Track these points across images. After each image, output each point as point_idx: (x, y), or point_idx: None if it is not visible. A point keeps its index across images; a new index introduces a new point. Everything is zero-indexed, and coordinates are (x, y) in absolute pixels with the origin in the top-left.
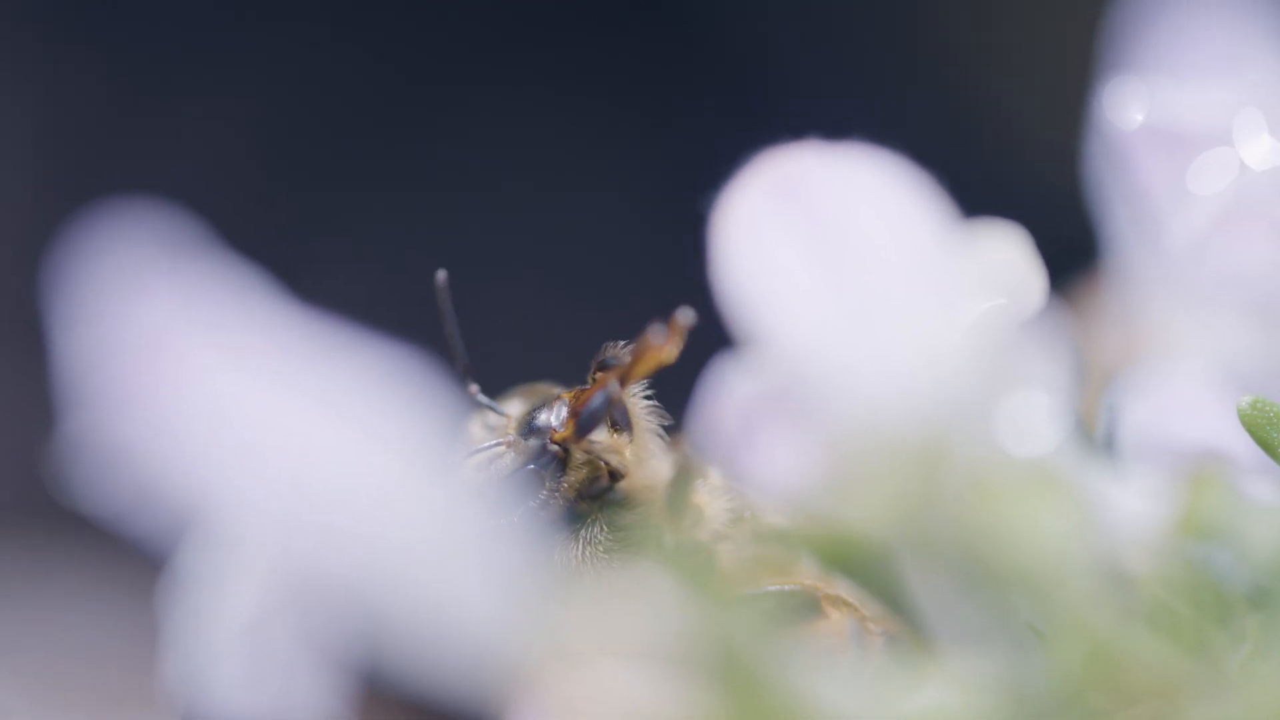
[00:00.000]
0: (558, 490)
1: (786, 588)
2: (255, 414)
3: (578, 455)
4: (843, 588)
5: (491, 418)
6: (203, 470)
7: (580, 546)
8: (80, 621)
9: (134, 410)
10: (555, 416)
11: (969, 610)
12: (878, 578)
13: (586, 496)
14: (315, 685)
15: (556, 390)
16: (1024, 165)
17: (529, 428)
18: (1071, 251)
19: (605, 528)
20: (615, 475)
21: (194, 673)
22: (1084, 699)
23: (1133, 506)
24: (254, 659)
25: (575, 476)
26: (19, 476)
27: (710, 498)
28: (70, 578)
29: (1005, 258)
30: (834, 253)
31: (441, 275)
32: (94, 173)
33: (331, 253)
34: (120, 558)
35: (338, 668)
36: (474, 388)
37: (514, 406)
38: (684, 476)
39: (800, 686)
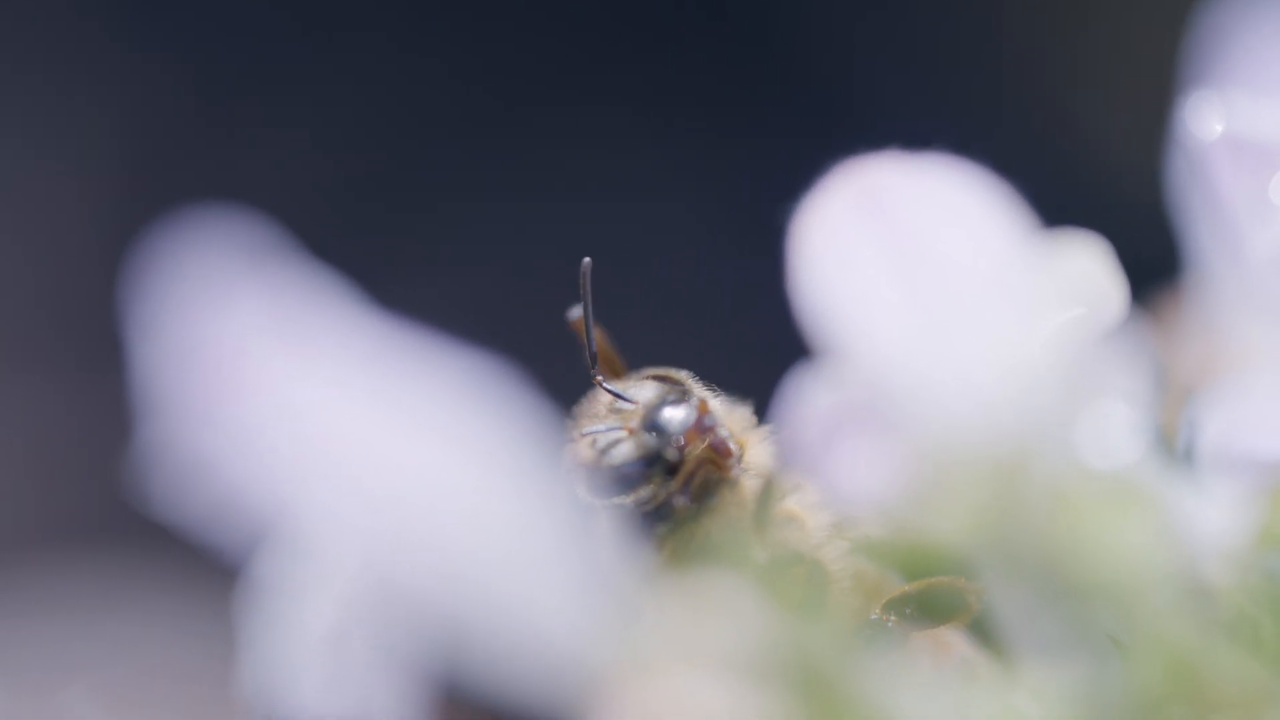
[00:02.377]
0: (662, 490)
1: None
2: (338, 423)
3: (691, 459)
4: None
5: (616, 402)
6: (283, 480)
7: (667, 553)
8: (159, 639)
9: (214, 419)
10: (681, 419)
11: (1049, 622)
12: None
13: (687, 501)
14: (395, 697)
15: (690, 383)
16: (1106, 177)
17: (653, 423)
18: (1153, 264)
19: (695, 534)
20: (719, 483)
21: (272, 685)
22: (1164, 710)
23: (1213, 519)
24: (333, 670)
25: (681, 480)
26: (98, 493)
27: (806, 509)
28: (149, 595)
29: (1086, 269)
30: (915, 264)
31: (587, 262)
32: (177, 182)
33: (414, 266)
34: (198, 575)
35: (417, 679)
36: (599, 375)
37: (643, 391)
38: (775, 487)
39: (880, 699)
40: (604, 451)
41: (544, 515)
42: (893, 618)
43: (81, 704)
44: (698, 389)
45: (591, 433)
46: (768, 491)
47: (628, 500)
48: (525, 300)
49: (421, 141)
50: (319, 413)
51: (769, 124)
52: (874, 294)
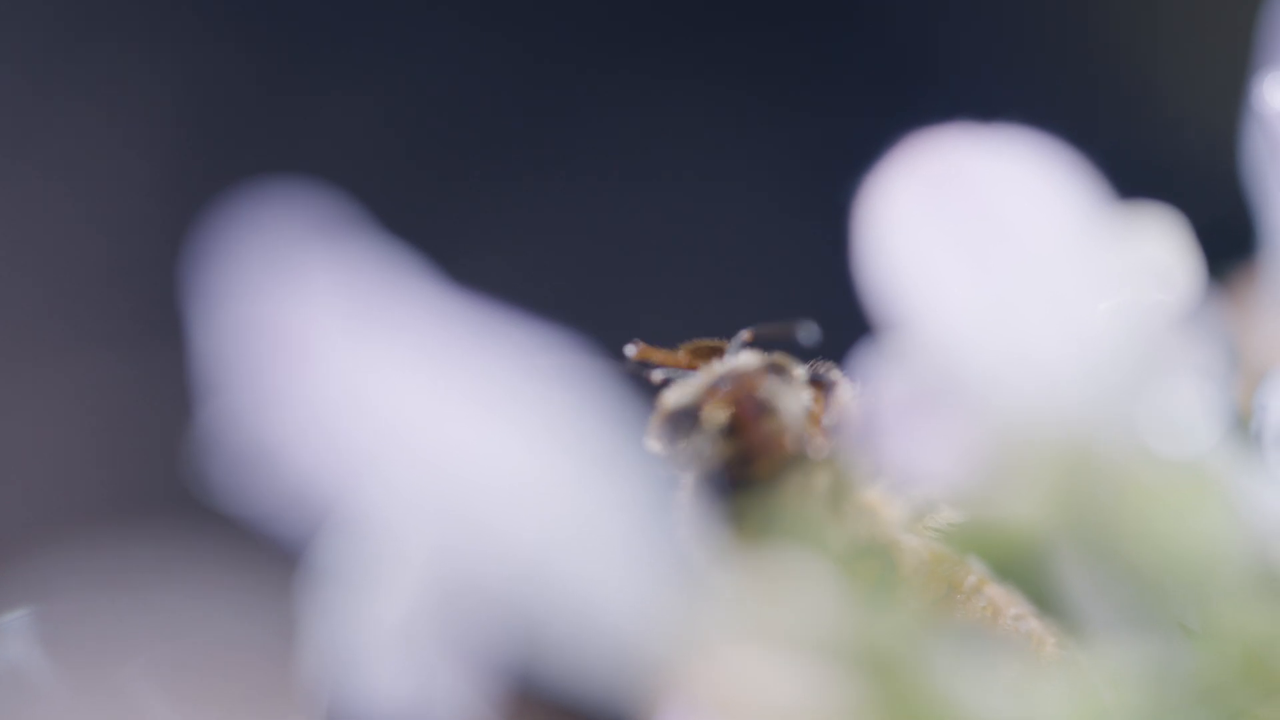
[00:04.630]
0: (719, 448)
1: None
2: (407, 404)
3: (749, 433)
4: (998, 585)
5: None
6: (351, 464)
7: (740, 533)
8: (218, 617)
9: (280, 398)
10: (723, 379)
11: (1119, 605)
12: (1029, 572)
13: (753, 479)
14: (461, 686)
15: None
16: (1182, 149)
17: (714, 377)
18: (1230, 241)
19: (768, 514)
20: (787, 460)
21: (337, 672)
22: (1233, 695)
23: None
24: (399, 659)
25: (736, 445)
26: (159, 468)
27: (879, 489)
28: (209, 572)
29: (1161, 245)
30: (987, 239)
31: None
32: (242, 154)
33: (483, 237)
34: (260, 553)
35: (484, 668)
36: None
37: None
38: (848, 466)
39: (949, 680)
40: (669, 396)
41: (617, 499)
42: (965, 601)
43: (140, 680)
44: (791, 367)
45: (663, 372)
46: (842, 470)
47: (685, 450)
48: (597, 272)
49: (492, 112)
50: (388, 393)
51: (838, 94)
52: (944, 270)
